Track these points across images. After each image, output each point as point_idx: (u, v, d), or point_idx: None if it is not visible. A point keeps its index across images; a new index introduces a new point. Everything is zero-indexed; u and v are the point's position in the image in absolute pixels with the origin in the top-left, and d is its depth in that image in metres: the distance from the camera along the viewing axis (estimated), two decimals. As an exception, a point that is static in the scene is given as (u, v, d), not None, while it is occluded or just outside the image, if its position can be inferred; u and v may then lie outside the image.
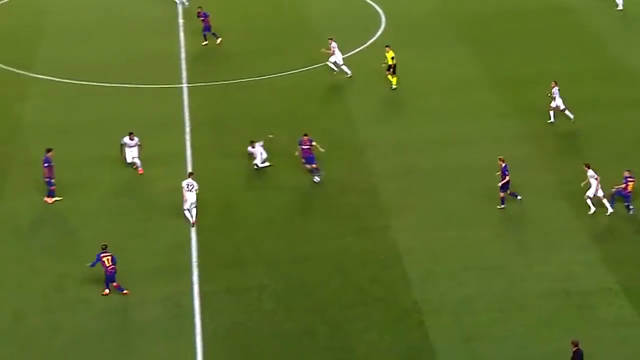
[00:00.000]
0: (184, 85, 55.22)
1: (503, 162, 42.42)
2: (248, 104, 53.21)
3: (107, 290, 37.43)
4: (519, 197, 42.93)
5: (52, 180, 43.52)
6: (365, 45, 59.47)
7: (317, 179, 44.74)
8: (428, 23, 63.29)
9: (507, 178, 42.24)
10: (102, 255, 37.42)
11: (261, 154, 45.88)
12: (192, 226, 41.65)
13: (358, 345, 35.17)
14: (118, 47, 60.48)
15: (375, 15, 64.60)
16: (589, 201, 42.17)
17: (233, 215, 43.11)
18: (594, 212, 42.11)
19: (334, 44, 55.20)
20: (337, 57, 55.07)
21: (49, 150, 43.80)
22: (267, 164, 46.05)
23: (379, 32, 61.98)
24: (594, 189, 42.07)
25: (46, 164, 43.56)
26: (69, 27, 63.59)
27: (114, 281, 37.41)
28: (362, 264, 39.59)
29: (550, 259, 39.57)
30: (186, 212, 41.84)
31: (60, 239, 41.44)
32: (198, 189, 41.77)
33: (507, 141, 48.38)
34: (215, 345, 35.27)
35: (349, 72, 55.18)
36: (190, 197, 41.61)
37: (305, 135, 44.89)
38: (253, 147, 45.84)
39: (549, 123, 49.54)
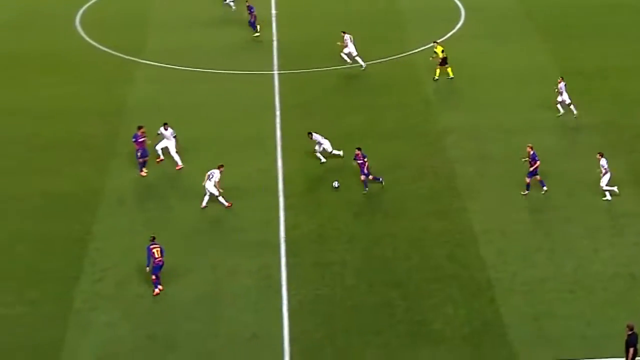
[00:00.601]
0: (275, 72, 55.29)
1: (531, 150, 41.94)
2: (334, 90, 53.11)
3: (157, 290, 36.33)
4: (527, 192, 42.25)
5: (141, 154, 44.07)
6: (445, 37, 58.85)
7: (336, 184, 43.22)
8: (505, 16, 62.40)
9: (537, 164, 41.74)
10: (151, 246, 36.20)
11: (320, 143, 44.94)
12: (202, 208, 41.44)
13: (433, 319, 35.00)
14: (217, 35, 60.73)
15: (456, 9, 63.92)
16: (606, 189, 41.65)
17: (317, 194, 43.07)
18: (609, 199, 41.58)
19: (347, 37, 54.85)
20: (351, 48, 54.66)
21: (139, 128, 44.35)
22: (337, 151, 45.19)
23: (459, 25, 61.35)
24: (608, 177, 41.47)
25: (133, 139, 44.21)
26: (172, 15, 63.98)
27: (157, 273, 36.17)
28: (439, 243, 39.33)
29: (616, 243, 38.96)
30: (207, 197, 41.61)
31: (160, 213, 41.82)
32: (218, 180, 41.25)
33: (574, 130, 47.76)
34: (300, 315, 35.37)
35: (363, 64, 54.79)
36: (207, 185, 41.27)
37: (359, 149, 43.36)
38: (311, 138, 44.84)
39: (557, 117, 48.64)
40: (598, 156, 41.80)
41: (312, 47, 58.45)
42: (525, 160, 42.21)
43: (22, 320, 35.36)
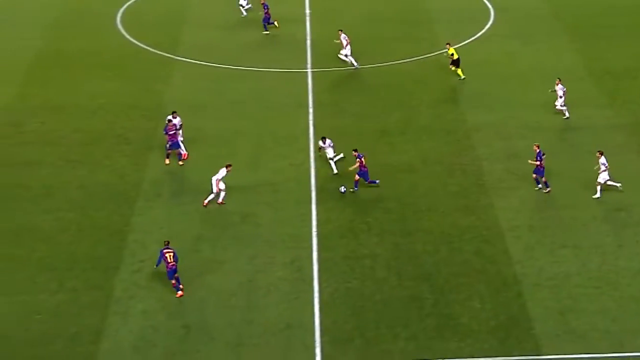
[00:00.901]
0: (309, 70, 55.18)
1: (538, 148, 41.76)
2: (365, 88, 52.93)
3: (180, 292, 35.75)
4: (540, 187, 41.96)
5: (170, 145, 44.67)
6: (474, 37, 58.51)
7: (343, 189, 42.48)
8: (534, 16, 61.98)
9: (542, 162, 41.57)
10: (164, 251, 35.78)
11: (332, 148, 43.87)
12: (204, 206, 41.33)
13: (461, 313, 34.84)
14: (252, 33, 60.67)
15: (485, 9, 63.50)
16: (598, 187, 41.27)
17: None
18: (599, 197, 41.31)
19: (343, 36, 54.72)
20: (347, 48, 54.57)
21: (169, 121, 44.78)
22: (340, 155, 44.14)
23: (488, 25, 60.95)
24: (605, 175, 41.07)
25: (164, 132, 44.81)
26: (209, 13, 63.99)
27: (174, 276, 35.79)
28: (467, 238, 39.12)
29: (641, 239, 38.65)
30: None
31: (197, 206, 41.82)
32: (220, 178, 40.99)
33: (603, 130, 47.37)
34: (331, 307, 35.31)
35: (355, 63, 54.60)
36: (213, 184, 41.13)
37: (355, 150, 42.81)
38: (324, 143, 43.91)
39: (565, 119, 48.25)
40: (598, 154, 41.47)
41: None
42: (534, 161, 42.07)
43: (63, 307, 35.55)
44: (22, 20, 62.84)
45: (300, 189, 42.75)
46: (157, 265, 36.50)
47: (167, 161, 45.01)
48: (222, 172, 41.24)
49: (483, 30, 60.10)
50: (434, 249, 38.55)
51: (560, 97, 47.83)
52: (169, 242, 36.35)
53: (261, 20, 60.38)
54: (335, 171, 43.74)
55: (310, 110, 50.28)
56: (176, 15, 63.84)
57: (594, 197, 41.36)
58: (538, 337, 33.58)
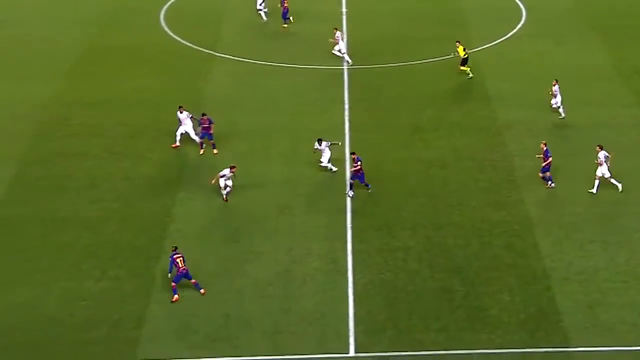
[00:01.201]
0: (345, 67, 55.05)
1: (545, 146, 41.55)
2: (400, 86, 52.71)
3: (176, 296, 35.16)
4: (552, 184, 41.73)
5: (201, 135, 45.31)
6: (506, 37, 58.15)
7: (351, 193, 41.68)
8: (565, 16, 61.50)
9: (549, 160, 41.36)
10: (175, 256, 35.38)
11: (327, 152, 43.24)
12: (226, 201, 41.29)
13: (491, 305, 34.70)
14: (290, 30, 60.66)
15: (517, 9, 63.07)
16: (596, 182, 40.96)
17: (382, 184, 42.79)
18: (595, 192, 41.07)
19: (338, 34, 54.61)
20: (341, 45, 54.57)
21: (203, 114, 45.37)
22: (330, 165, 43.28)
23: (520, 25, 60.53)
24: (604, 168, 40.80)
25: (199, 124, 45.41)
26: (248, 11, 63.97)
27: (190, 278, 35.38)
28: (497, 233, 38.92)
29: (669, 235, 38.31)
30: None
31: (234, 198, 41.88)
32: (223, 176, 40.97)
33: (629, 128, 46.95)
34: (365, 298, 35.30)
35: (349, 60, 54.49)
36: (221, 182, 41.09)
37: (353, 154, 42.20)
38: (320, 145, 43.29)
39: (560, 119, 47.88)
40: (597, 148, 41.19)
41: (380, 43, 58.12)
42: (539, 157, 41.85)
43: (107, 294, 35.81)
44: (70, 17, 63.23)
45: (335, 182, 42.70)
46: (169, 272, 35.53)
47: (202, 151, 45.40)
48: (226, 171, 41.19)
49: (515, 30, 59.69)
50: (465, 242, 38.39)
51: (556, 97, 47.41)
52: (176, 247, 35.95)
53: (281, 14, 60.51)
54: (335, 169, 43.38)
55: (346, 106, 50.22)
56: (216, 13, 63.94)
57: (589, 190, 41.08)
58: (567, 329, 33.39)
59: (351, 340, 33.27)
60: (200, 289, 35.57)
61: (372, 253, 37.88)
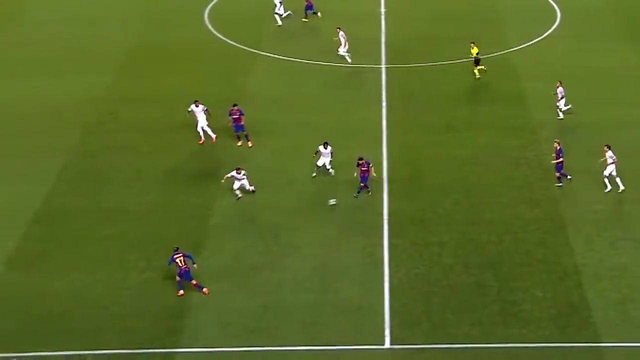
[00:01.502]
0: (383, 66, 54.98)
1: (558, 145, 41.22)
2: (436, 84, 52.55)
3: (181, 291, 35.18)
4: (569, 177, 41.54)
5: (235, 128, 45.69)
6: (541, 37, 57.70)
7: (333, 201, 40.59)
8: (599, 17, 60.86)
9: (561, 159, 41.02)
10: (175, 256, 35.22)
11: (328, 156, 42.66)
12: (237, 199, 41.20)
13: (523, 300, 34.55)
14: (329, 30, 60.53)
15: (552, 10, 62.52)
16: (606, 180, 40.62)
17: (418, 181, 42.75)
18: (609, 190, 40.60)
19: (341, 33, 54.43)
20: (342, 43, 54.42)
21: (234, 105, 45.73)
22: (330, 168, 42.78)
23: (554, 26, 60.01)
24: (611, 168, 40.38)
25: (229, 116, 45.62)
26: (290, 10, 64.10)
27: (191, 279, 35.16)
28: (531, 230, 38.74)
29: (700, 233, 37.86)
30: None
31: (272, 194, 41.95)
32: (228, 176, 40.94)
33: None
34: (400, 291, 35.31)
35: (349, 59, 54.37)
36: (235, 184, 41.00)
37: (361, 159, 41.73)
38: (325, 148, 42.58)
39: (558, 119, 47.40)
40: (605, 148, 40.80)
41: (418, 43, 57.92)
42: (553, 155, 41.60)
43: (151, 284, 36.13)
44: (118, 16, 63.66)
45: (372, 178, 42.63)
46: (169, 264, 35.50)
47: (239, 143, 45.71)
48: (233, 173, 41.11)
49: (549, 31, 59.18)
50: (499, 239, 38.22)
51: (561, 98, 46.98)
52: (178, 248, 35.83)
53: (304, 8, 60.71)
54: (332, 172, 42.93)
55: (384, 104, 50.12)
56: (259, 13, 63.99)
57: (605, 191, 40.65)
58: (597, 325, 33.16)
59: (387, 332, 33.29)
60: (202, 288, 35.36)
61: (408, 247, 37.84)
